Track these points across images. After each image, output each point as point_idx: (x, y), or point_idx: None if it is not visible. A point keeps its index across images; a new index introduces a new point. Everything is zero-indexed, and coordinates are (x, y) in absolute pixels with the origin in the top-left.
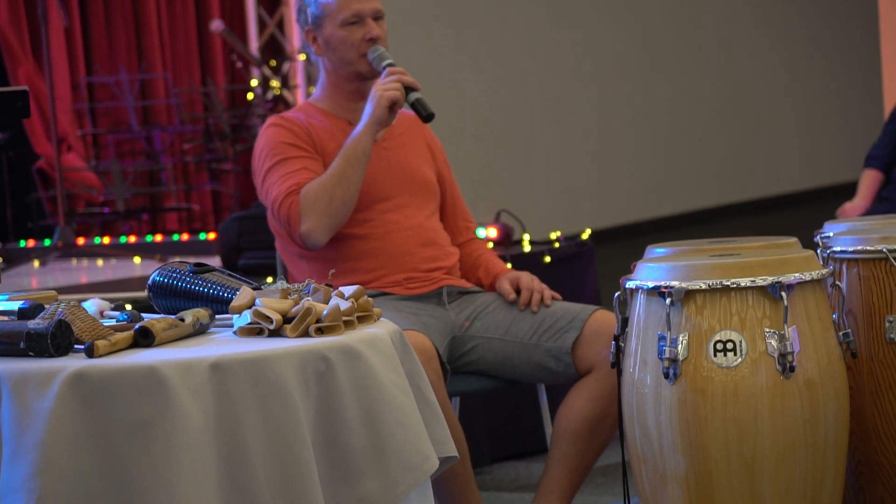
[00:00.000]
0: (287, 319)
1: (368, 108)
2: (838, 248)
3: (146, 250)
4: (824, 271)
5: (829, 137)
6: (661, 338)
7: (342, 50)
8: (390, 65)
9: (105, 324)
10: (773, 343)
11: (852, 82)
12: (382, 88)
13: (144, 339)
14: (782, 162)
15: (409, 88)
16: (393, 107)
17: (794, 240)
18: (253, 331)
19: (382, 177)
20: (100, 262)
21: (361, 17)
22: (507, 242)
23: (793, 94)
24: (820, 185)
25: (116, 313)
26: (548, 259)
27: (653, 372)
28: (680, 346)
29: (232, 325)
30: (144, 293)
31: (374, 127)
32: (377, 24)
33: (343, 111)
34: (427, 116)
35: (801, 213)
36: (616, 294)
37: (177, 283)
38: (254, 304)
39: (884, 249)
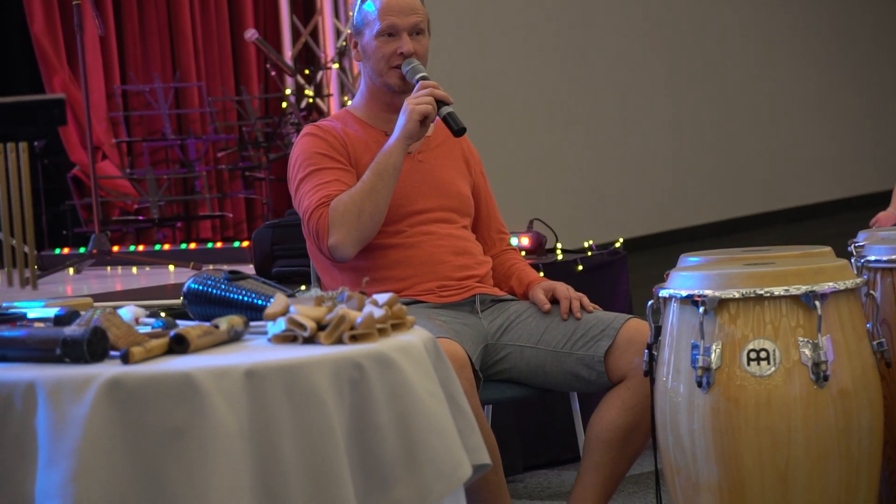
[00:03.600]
0: (321, 327)
1: (400, 122)
2: (873, 258)
3: (180, 258)
4: (858, 280)
5: (862, 146)
6: (695, 346)
7: (374, 60)
8: (423, 78)
9: (140, 331)
10: (807, 352)
11: (885, 92)
12: (414, 102)
13: (179, 345)
14: (815, 171)
15: (440, 102)
16: (424, 120)
17: (828, 249)
18: (287, 338)
19: (416, 190)
20: (134, 269)
21: (397, 31)
22: (539, 251)
23: (826, 104)
24: (853, 194)
25: (151, 320)
26: (580, 268)
27: (686, 381)
28: (713, 354)
29: (266, 333)
30: (179, 300)
31: (406, 141)
32: (415, 39)
33: (380, 122)
34: (458, 131)
35: (834, 222)
36: (649, 302)
37: (211, 290)
38: (288, 312)
39: None
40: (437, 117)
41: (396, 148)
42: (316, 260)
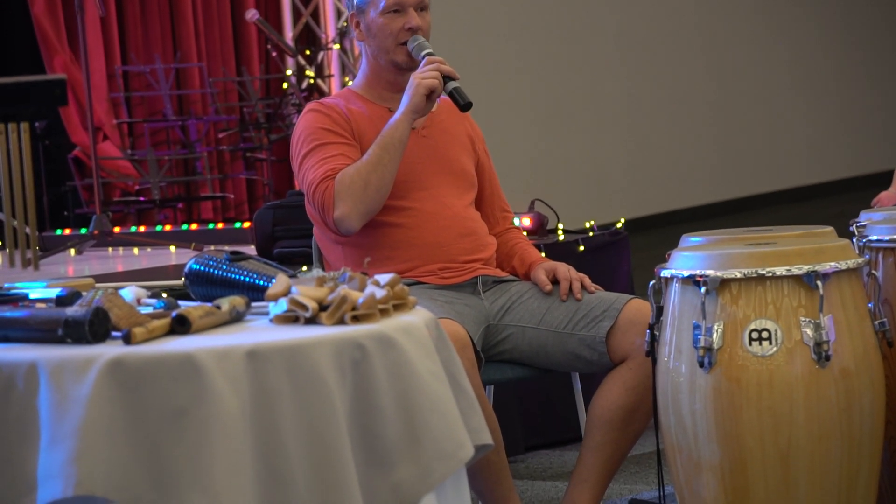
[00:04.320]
0: (323, 307)
1: (406, 96)
2: (874, 237)
3: (181, 239)
4: (860, 260)
5: (864, 126)
6: (696, 326)
7: (381, 37)
8: (429, 54)
9: (142, 311)
10: (809, 332)
11: (888, 71)
12: (420, 77)
13: (181, 326)
14: (817, 151)
15: (447, 77)
16: (430, 95)
17: (829, 229)
18: (289, 318)
19: (421, 165)
20: (135, 250)
21: (403, 6)
22: (540, 232)
23: (828, 84)
24: (855, 174)
25: (153, 301)
26: (582, 248)
27: (688, 361)
28: (715, 334)
29: (268, 313)
30: (180, 281)
31: (412, 115)
32: (419, 15)
33: (383, 99)
34: (464, 105)
35: (836, 202)
36: (651, 283)
37: (213, 270)
38: (290, 292)
39: None
40: (443, 93)
41: (402, 122)
42: (320, 238)
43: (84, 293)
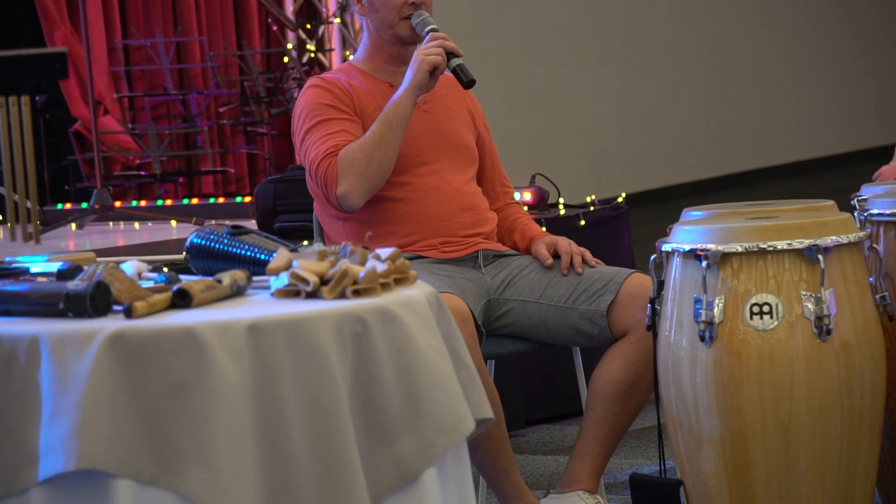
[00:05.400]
0: (324, 281)
1: (409, 73)
2: (875, 211)
3: (182, 213)
4: (861, 234)
5: (864, 100)
6: (697, 301)
7: (384, 12)
8: (433, 30)
9: (143, 285)
10: (810, 306)
11: (887, 45)
12: (424, 53)
13: (182, 300)
14: (818, 125)
15: (450, 54)
16: (434, 72)
17: (831, 203)
18: (290, 292)
19: (422, 140)
20: (136, 224)
21: None
22: (542, 206)
23: (827, 57)
24: (856, 148)
25: (154, 275)
26: (583, 222)
27: (688, 335)
28: (716, 308)
29: (269, 287)
30: (181, 255)
31: (415, 91)
32: None
33: (384, 74)
34: (468, 82)
35: (836, 176)
36: (652, 257)
37: (214, 244)
38: (291, 266)
39: None
40: (447, 69)
41: (405, 98)
42: (320, 213)
43: (85, 267)
